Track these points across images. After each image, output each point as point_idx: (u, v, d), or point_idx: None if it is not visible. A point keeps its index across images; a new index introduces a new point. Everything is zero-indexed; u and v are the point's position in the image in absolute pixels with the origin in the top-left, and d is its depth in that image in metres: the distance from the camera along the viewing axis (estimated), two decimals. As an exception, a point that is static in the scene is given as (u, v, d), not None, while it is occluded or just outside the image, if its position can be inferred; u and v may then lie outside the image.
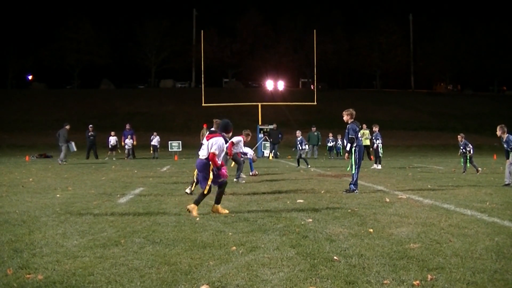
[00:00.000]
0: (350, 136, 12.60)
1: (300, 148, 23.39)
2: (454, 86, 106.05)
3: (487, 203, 10.29)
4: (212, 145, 9.04)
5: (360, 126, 13.26)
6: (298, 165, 23.33)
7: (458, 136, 20.64)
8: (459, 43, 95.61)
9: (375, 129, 23.65)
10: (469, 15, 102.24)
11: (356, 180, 12.63)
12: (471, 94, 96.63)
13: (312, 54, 42.75)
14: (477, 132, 57.96)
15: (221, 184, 9.17)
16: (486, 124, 59.18)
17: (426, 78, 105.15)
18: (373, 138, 23.75)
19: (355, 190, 12.45)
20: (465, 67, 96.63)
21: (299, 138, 23.59)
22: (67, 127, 27.62)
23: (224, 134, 9.59)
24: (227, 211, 9.14)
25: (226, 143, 9.99)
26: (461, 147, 20.08)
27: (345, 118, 12.96)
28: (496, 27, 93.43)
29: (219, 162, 9.12)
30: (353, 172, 12.65)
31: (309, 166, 22.74)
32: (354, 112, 13.03)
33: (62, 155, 26.59)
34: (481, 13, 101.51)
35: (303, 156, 23.21)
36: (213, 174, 9.05)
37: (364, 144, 30.27)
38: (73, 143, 27.76)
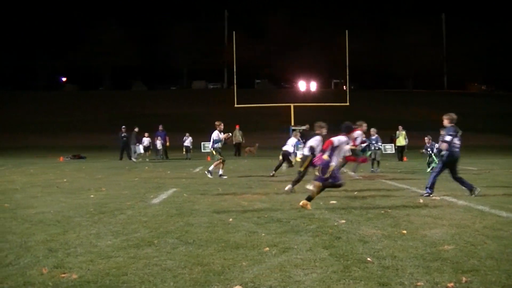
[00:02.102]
0: (447, 136, 12.43)
1: (376, 148, 20.77)
2: (488, 87, 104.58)
3: (523, 205, 10.11)
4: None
5: (458, 131, 12.76)
6: (373, 166, 20.69)
7: (426, 138, 20.25)
8: (491, 42, 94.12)
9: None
10: (502, 14, 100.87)
11: (433, 184, 12.27)
12: (504, 94, 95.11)
13: (342, 55, 42.59)
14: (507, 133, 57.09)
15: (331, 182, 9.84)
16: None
17: (459, 78, 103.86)
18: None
19: (431, 192, 11.97)
20: (499, 67, 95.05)
21: (374, 137, 21.11)
22: (136, 129, 31.22)
23: (346, 134, 10.07)
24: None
25: (347, 144, 10.41)
26: (428, 149, 19.67)
27: (445, 122, 12.77)
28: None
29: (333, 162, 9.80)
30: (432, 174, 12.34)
31: (378, 170, 20.43)
32: (455, 117, 12.72)
33: (132, 154, 31.39)
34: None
35: (377, 158, 20.66)
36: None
37: (399, 144, 30.10)
38: (140, 146, 31.62)
